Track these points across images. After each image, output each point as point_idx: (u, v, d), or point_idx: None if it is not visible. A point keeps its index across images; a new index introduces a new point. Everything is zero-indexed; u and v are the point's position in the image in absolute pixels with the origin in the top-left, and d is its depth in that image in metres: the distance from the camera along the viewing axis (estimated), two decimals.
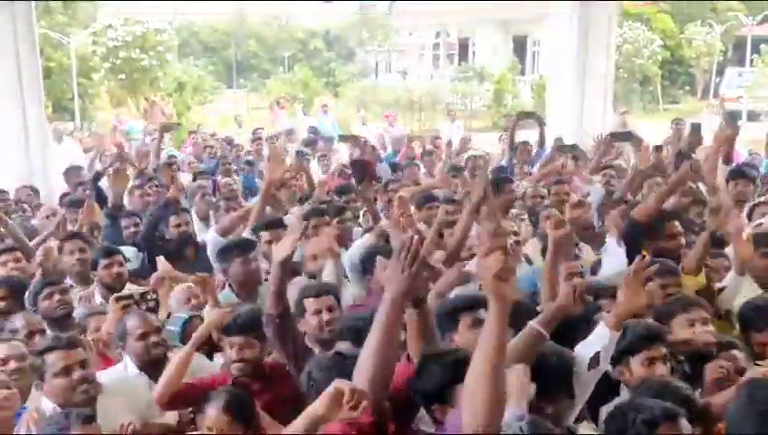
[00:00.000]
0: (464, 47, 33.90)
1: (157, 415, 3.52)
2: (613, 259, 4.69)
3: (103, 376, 3.49)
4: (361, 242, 5.08)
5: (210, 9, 33.47)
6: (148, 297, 4.25)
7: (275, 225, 5.17)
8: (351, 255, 4.94)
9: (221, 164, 9.23)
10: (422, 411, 2.75)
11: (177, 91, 23.19)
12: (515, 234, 5.21)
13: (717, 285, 4.33)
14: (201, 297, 4.47)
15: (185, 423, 3.50)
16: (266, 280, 4.76)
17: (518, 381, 2.54)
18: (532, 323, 2.94)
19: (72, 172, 8.80)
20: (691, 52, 30.39)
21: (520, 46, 32.00)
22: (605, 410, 3.16)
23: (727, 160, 6.58)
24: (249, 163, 9.98)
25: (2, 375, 3.41)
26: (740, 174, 6.37)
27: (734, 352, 3.26)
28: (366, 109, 22.05)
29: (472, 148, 10.50)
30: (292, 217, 5.71)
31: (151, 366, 3.66)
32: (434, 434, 2.70)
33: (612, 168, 7.66)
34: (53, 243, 5.44)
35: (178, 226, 6.06)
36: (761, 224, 5.19)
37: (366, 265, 4.51)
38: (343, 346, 3.07)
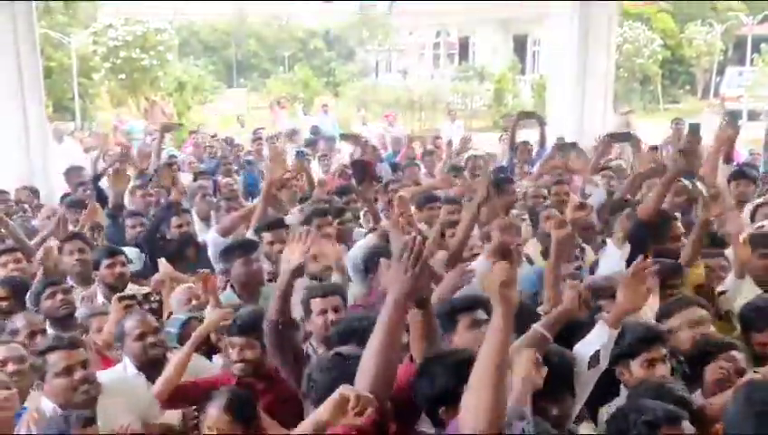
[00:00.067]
0: (464, 47, 33.90)
1: (157, 415, 3.51)
2: (610, 260, 4.70)
3: (103, 376, 3.49)
4: (364, 242, 5.08)
5: (210, 9, 33.48)
6: (152, 298, 4.25)
7: (277, 225, 5.18)
8: (354, 255, 4.95)
9: (222, 164, 9.23)
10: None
11: (177, 91, 23.20)
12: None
13: (718, 289, 4.32)
14: (202, 297, 4.48)
15: (189, 422, 3.50)
16: (269, 280, 4.78)
17: (527, 364, 2.54)
18: (536, 327, 2.96)
19: (72, 172, 8.80)
20: (691, 51, 30.38)
21: (520, 46, 32.00)
22: (605, 411, 3.18)
23: (728, 160, 6.58)
24: (249, 163, 9.99)
25: (1, 375, 3.40)
26: (741, 174, 6.39)
27: (734, 352, 3.26)
28: (366, 108, 22.06)
29: (472, 147, 10.49)
30: (291, 216, 5.73)
31: (149, 367, 3.66)
32: (436, 434, 2.70)
33: (611, 168, 7.66)
34: (53, 242, 5.44)
35: (180, 226, 6.07)
36: (763, 226, 5.19)
37: (368, 265, 4.52)
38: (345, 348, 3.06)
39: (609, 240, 5.02)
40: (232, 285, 4.73)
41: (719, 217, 5.54)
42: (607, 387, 3.19)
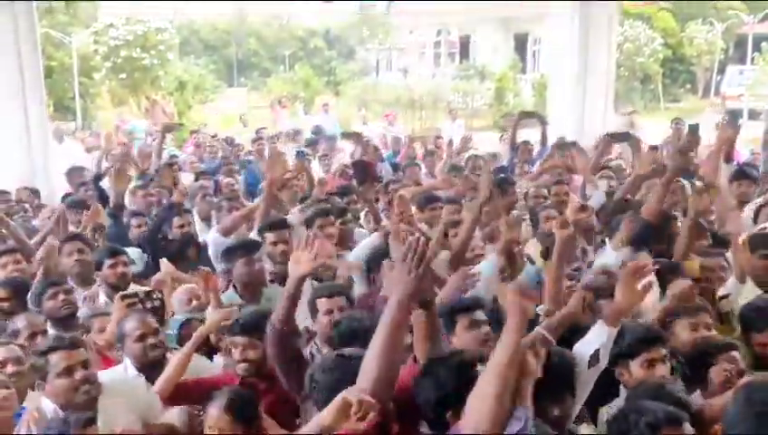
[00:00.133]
0: (464, 45, 33.88)
1: (157, 415, 3.51)
2: (605, 262, 4.70)
3: (104, 376, 3.48)
4: (367, 242, 5.09)
5: (211, 8, 33.49)
6: (154, 296, 4.25)
7: (280, 226, 5.18)
8: (356, 255, 4.95)
9: (224, 164, 9.24)
10: None
11: (178, 90, 23.23)
12: None
13: (720, 292, 4.31)
14: (203, 298, 4.48)
15: (195, 421, 3.50)
16: (271, 281, 4.79)
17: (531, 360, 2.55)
18: (540, 329, 2.96)
19: (74, 172, 8.80)
20: (692, 50, 30.36)
21: (521, 44, 31.97)
22: (604, 411, 3.19)
23: (728, 159, 6.58)
24: (249, 163, 9.99)
25: (0, 376, 3.42)
26: (743, 175, 6.39)
27: (734, 353, 3.27)
28: (367, 108, 22.08)
29: (473, 147, 10.50)
30: (292, 216, 5.73)
31: (150, 368, 3.65)
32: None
33: (610, 168, 7.67)
34: (53, 241, 5.43)
35: (181, 226, 6.08)
36: (766, 227, 5.19)
37: (371, 266, 4.52)
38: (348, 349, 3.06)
39: (607, 241, 5.02)
40: (234, 286, 4.73)
41: (721, 217, 5.57)
42: (607, 387, 3.20)
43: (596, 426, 3.22)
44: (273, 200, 5.79)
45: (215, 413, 3.04)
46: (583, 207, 4.41)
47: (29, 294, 4.67)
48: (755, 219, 5.62)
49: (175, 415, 3.53)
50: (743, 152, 10.03)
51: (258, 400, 3.21)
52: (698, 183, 5.95)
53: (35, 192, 8.48)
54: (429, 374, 2.61)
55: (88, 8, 26.20)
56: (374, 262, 4.50)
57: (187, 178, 8.71)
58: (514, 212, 6.20)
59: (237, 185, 8.24)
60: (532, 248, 5.38)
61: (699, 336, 3.49)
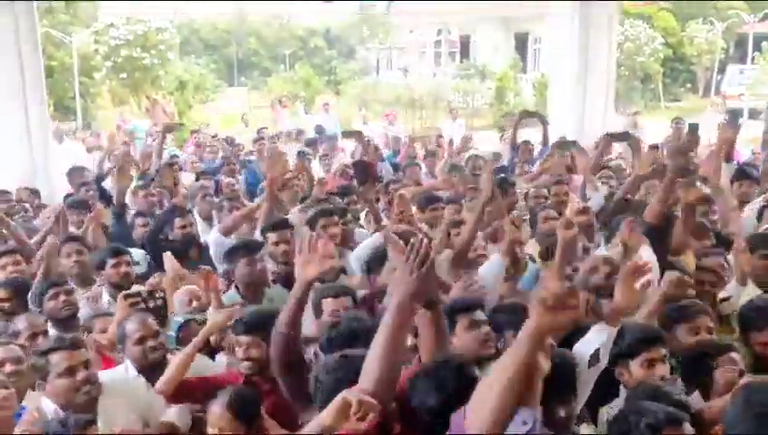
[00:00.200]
0: (465, 45, 33.87)
1: (158, 415, 3.52)
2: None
3: (104, 376, 3.50)
4: (368, 242, 5.09)
5: (211, 8, 33.47)
6: (156, 296, 4.25)
7: (282, 226, 5.19)
8: (358, 255, 4.96)
9: (225, 164, 9.25)
10: None
11: (178, 90, 23.23)
12: None
13: (721, 295, 4.30)
14: (203, 298, 4.49)
15: (197, 421, 3.51)
16: (274, 281, 4.80)
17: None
18: None
19: (75, 172, 8.80)
20: (692, 49, 30.36)
21: (521, 44, 31.97)
22: (605, 411, 3.19)
23: (728, 159, 6.58)
24: (249, 162, 10.00)
25: (0, 376, 3.42)
26: (744, 175, 6.39)
27: (733, 354, 3.27)
28: (367, 107, 22.10)
29: (473, 147, 10.51)
30: (292, 216, 5.74)
31: (150, 370, 3.64)
32: None
33: (610, 168, 7.67)
34: (53, 240, 5.43)
35: (183, 227, 6.08)
36: None
37: (371, 266, 4.53)
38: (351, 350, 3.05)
39: (602, 242, 5.03)
40: (236, 286, 4.74)
41: (723, 218, 5.57)
42: (607, 387, 3.20)
43: (596, 426, 3.22)
44: (275, 200, 5.80)
45: (216, 411, 3.05)
46: (585, 209, 4.42)
47: (29, 294, 4.68)
48: (759, 218, 5.62)
49: (175, 414, 3.52)
50: (743, 152, 10.04)
51: (260, 400, 3.21)
52: (699, 183, 5.97)
53: (35, 192, 8.49)
54: (424, 378, 2.59)
55: (88, 8, 26.19)
56: (375, 262, 4.50)
57: (187, 178, 8.72)
58: (514, 212, 6.21)
59: (238, 185, 8.24)
60: (531, 249, 5.39)
61: (699, 339, 3.49)
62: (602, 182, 6.97)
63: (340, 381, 2.45)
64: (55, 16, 23.67)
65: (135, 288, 4.70)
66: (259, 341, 3.47)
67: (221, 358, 4.09)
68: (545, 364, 2.50)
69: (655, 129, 13.70)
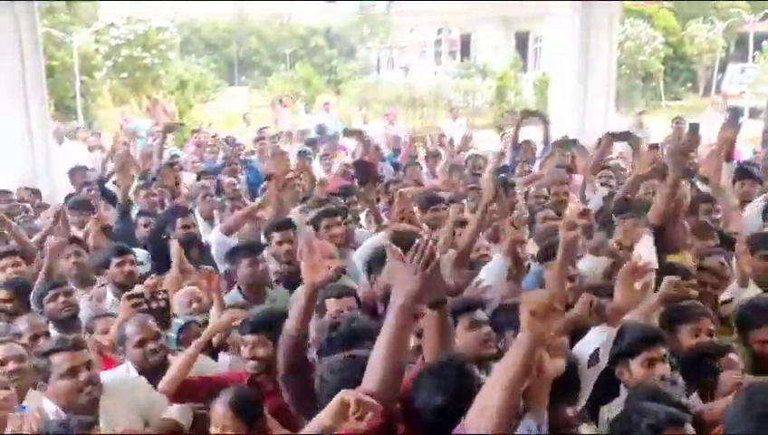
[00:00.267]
0: (465, 44, 33.85)
1: (159, 415, 3.53)
2: (590, 264, 4.71)
3: (105, 377, 3.50)
4: (370, 242, 5.09)
5: (211, 7, 33.45)
6: (159, 296, 4.25)
7: (285, 226, 5.19)
8: (360, 255, 4.95)
9: (227, 164, 9.25)
10: None
11: (179, 89, 23.22)
12: None
13: (722, 297, 4.30)
14: (204, 298, 4.49)
15: (201, 419, 3.51)
16: (276, 281, 4.79)
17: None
18: None
19: (77, 172, 8.81)
20: (693, 48, 30.34)
21: (522, 43, 31.95)
22: (605, 410, 3.19)
23: (728, 158, 6.57)
24: (249, 162, 10.00)
25: (0, 376, 3.43)
26: (746, 174, 6.38)
27: (731, 356, 3.27)
28: (367, 107, 22.07)
29: (473, 146, 10.49)
30: (293, 215, 5.74)
31: (150, 372, 3.65)
32: None
33: (610, 168, 7.67)
34: (54, 239, 5.42)
35: (185, 227, 6.09)
36: None
37: (371, 266, 4.53)
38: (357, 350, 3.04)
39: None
40: (238, 286, 4.74)
41: (726, 217, 5.57)
42: (607, 387, 3.20)
43: (596, 426, 3.23)
44: (280, 199, 5.81)
45: (219, 410, 3.07)
46: (585, 212, 4.41)
47: (31, 295, 4.69)
48: (765, 217, 5.61)
49: (176, 411, 3.53)
50: (744, 151, 10.03)
51: (263, 399, 3.22)
52: (699, 183, 5.97)
53: (36, 192, 8.49)
54: (428, 378, 2.58)
55: (89, 8, 26.17)
56: (375, 262, 4.50)
57: (188, 178, 8.72)
58: (515, 212, 6.21)
59: (239, 184, 8.24)
60: (532, 249, 5.38)
61: (698, 341, 3.49)
62: (602, 183, 6.97)
63: (346, 382, 2.44)
64: (56, 16, 23.65)
65: (138, 288, 4.71)
66: (265, 340, 3.48)
67: (224, 358, 4.09)
68: (560, 364, 2.52)
69: (656, 128, 13.68)
